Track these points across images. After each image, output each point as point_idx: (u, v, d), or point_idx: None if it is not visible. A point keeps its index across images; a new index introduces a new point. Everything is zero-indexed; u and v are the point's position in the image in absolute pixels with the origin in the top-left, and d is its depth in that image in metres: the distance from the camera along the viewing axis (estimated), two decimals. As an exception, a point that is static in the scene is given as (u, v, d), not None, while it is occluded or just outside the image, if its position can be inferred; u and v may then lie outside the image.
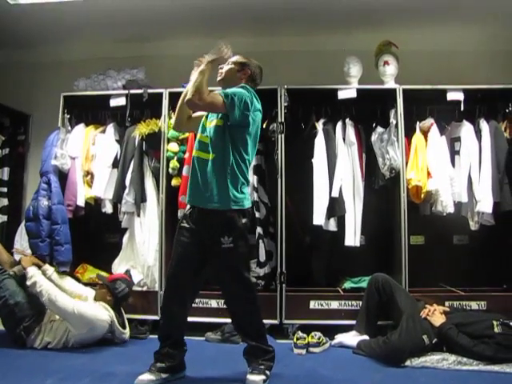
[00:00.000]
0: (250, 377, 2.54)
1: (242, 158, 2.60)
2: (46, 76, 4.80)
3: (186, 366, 2.68)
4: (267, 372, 2.59)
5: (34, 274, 3.24)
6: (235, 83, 2.68)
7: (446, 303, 3.40)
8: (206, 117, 2.73)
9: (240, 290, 2.63)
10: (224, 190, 2.54)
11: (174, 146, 3.74)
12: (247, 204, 2.64)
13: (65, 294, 3.24)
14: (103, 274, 3.79)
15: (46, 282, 3.25)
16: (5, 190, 4.37)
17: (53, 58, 4.83)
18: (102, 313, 3.20)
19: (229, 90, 2.56)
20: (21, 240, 4.10)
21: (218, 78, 2.75)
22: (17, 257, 3.45)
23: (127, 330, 3.35)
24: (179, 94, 3.71)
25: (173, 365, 2.60)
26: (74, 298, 3.30)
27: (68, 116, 3.98)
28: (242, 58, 2.77)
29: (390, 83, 3.87)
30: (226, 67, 2.73)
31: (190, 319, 2.72)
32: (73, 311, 3.10)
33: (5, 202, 4.36)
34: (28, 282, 3.20)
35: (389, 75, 3.88)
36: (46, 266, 3.43)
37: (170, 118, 3.77)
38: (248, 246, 2.71)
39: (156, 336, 2.69)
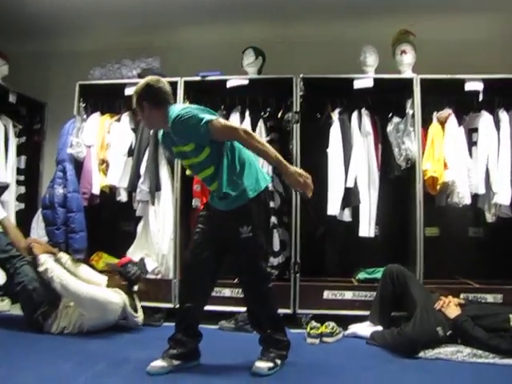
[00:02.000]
0: (257, 363, 2.57)
1: (229, 149, 2.54)
2: (62, 65, 4.83)
3: (200, 354, 2.69)
4: (277, 360, 2.60)
5: (45, 260, 3.28)
6: (163, 118, 2.54)
7: (461, 295, 3.37)
8: (184, 156, 2.64)
9: (255, 281, 2.63)
10: (239, 188, 2.53)
11: (188, 135, 3.74)
12: (263, 184, 2.59)
13: (76, 279, 3.28)
14: (111, 261, 3.82)
15: (57, 267, 3.29)
16: (22, 178, 4.40)
17: (69, 47, 4.84)
18: (114, 297, 3.24)
19: (193, 118, 2.42)
20: (37, 227, 4.15)
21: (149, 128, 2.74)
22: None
23: (140, 314, 3.38)
24: (194, 82, 3.79)
25: (184, 352, 2.60)
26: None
27: (83, 105, 4.00)
28: (135, 97, 2.59)
29: (407, 73, 3.82)
30: (141, 118, 2.69)
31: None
32: (84, 295, 3.14)
33: (22, 189, 4.39)
34: (40, 269, 3.24)
35: (406, 64, 3.83)
36: (61, 254, 3.47)
37: (185, 106, 3.77)
38: (268, 235, 2.71)
39: (170, 324, 2.71)
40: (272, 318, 2.68)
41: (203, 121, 2.40)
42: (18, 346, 2.94)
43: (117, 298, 3.24)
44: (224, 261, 2.70)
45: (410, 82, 3.66)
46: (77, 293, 3.15)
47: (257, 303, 2.67)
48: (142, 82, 2.62)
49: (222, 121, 2.51)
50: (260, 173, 2.64)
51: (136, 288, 3.48)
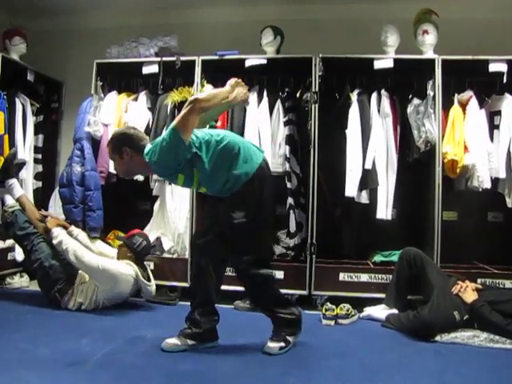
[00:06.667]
0: (268, 343, 2.58)
1: (211, 158, 2.47)
2: (80, 44, 4.82)
3: (218, 336, 2.67)
4: (288, 338, 2.60)
5: (58, 233, 3.33)
6: (143, 164, 2.48)
7: (479, 280, 3.33)
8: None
9: (249, 267, 2.56)
10: (232, 181, 2.49)
11: (206, 115, 3.72)
12: (256, 164, 2.51)
13: (90, 252, 3.32)
14: (121, 234, 3.86)
15: (71, 240, 3.34)
16: (39, 156, 4.43)
17: (86, 25, 4.84)
18: (126, 268, 3.27)
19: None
20: (55, 206, 4.20)
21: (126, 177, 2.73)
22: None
23: (152, 283, 3.39)
24: (212, 61, 3.77)
25: (199, 332, 2.59)
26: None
27: (101, 83, 3.99)
28: (112, 144, 2.59)
29: (428, 53, 3.74)
30: (117, 167, 2.66)
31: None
32: (97, 266, 3.18)
33: (39, 168, 4.42)
34: (54, 241, 3.29)
35: (428, 45, 3.75)
36: (72, 227, 3.51)
37: (202, 85, 3.74)
38: (266, 215, 2.64)
39: (186, 303, 2.73)
40: (272, 301, 2.64)
41: (168, 132, 2.37)
42: (37, 321, 2.98)
43: (128, 269, 3.27)
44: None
45: (431, 62, 3.58)
46: (90, 264, 3.20)
47: (252, 289, 2.67)
48: (114, 132, 2.64)
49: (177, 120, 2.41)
50: (253, 153, 2.56)
51: (152, 266, 3.51)
